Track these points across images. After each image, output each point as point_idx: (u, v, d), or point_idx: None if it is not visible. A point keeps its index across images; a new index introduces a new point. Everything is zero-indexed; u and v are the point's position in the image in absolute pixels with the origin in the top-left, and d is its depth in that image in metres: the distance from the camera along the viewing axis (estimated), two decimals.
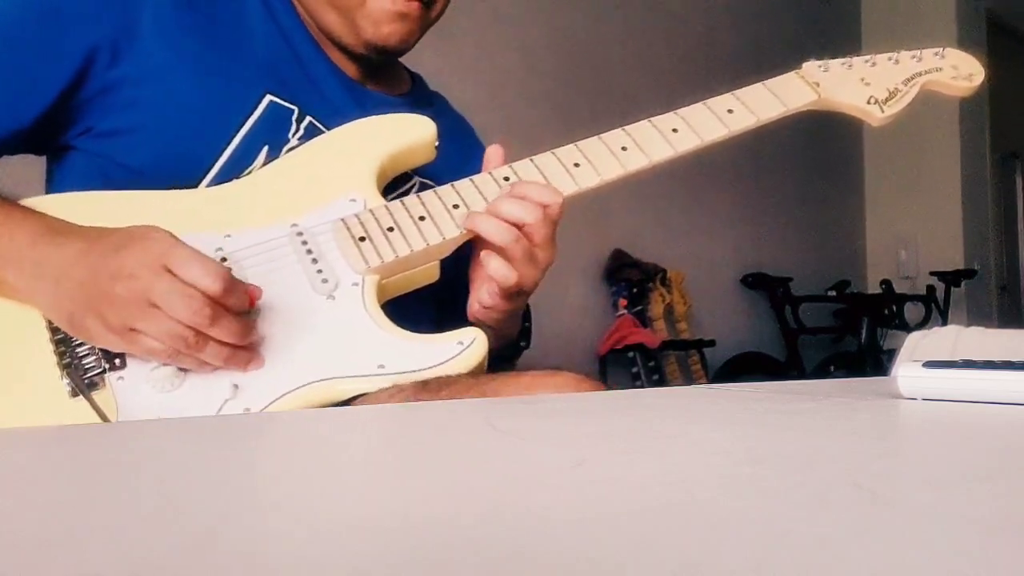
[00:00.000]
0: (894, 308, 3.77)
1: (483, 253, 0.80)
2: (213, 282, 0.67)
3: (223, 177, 0.81)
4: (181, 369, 0.70)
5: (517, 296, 0.82)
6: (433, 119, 0.87)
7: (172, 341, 0.68)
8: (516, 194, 0.79)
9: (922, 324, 3.59)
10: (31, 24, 0.79)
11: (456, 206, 0.81)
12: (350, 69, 0.92)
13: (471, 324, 0.79)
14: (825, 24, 4.15)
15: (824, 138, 3.90)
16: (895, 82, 0.91)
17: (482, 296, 0.83)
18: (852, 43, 4.30)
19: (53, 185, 0.87)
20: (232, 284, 0.68)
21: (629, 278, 3.06)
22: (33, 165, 0.89)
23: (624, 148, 0.84)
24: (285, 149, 0.84)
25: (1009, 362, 0.52)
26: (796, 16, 3.96)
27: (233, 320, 0.69)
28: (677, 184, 3.22)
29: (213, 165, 0.81)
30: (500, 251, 0.79)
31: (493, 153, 0.85)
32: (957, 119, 4.07)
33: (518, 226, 0.78)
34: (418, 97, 0.99)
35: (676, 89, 3.21)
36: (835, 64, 0.92)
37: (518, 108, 2.75)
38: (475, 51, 2.63)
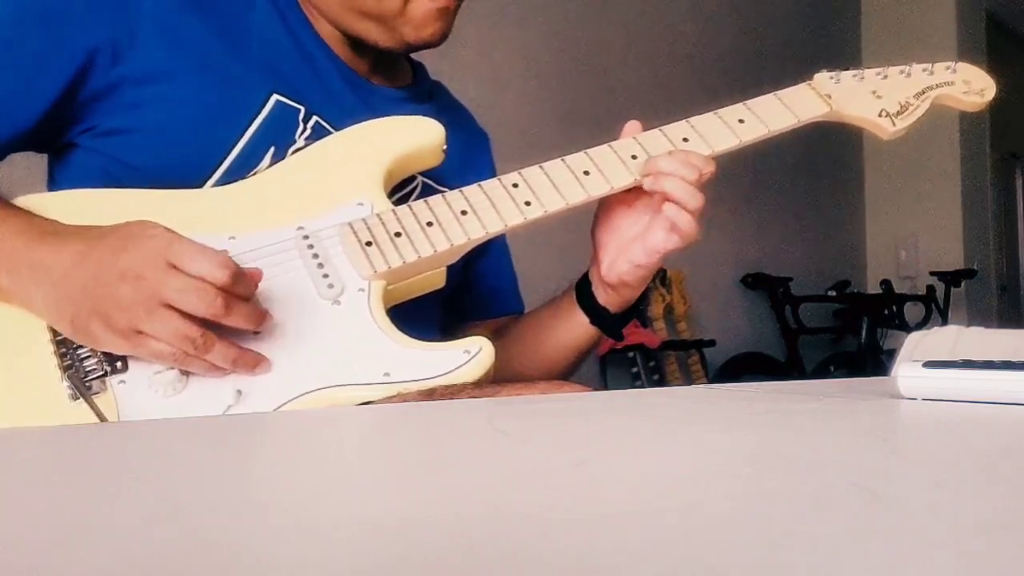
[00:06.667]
0: (894, 308, 3.77)
1: (666, 204, 0.82)
2: (221, 272, 0.67)
3: (229, 178, 0.81)
4: (184, 374, 0.70)
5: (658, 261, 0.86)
6: (436, 113, 0.86)
7: (179, 343, 0.67)
8: (687, 162, 0.81)
9: (922, 324, 3.59)
10: (29, 25, 0.78)
11: (464, 212, 0.80)
12: (358, 64, 0.91)
13: (477, 331, 0.78)
14: (825, 20, 4.15)
15: (824, 138, 3.90)
16: (906, 95, 0.90)
17: (635, 255, 0.85)
18: (852, 40, 4.31)
19: (55, 183, 0.86)
20: (238, 272, 0.69)
21: None
22: (35, 163, 0.89)
23: (634, 156, 0.84)
24: (292, 149, 0.83)
25: (1009, 362, 0.52)
26: (797, 13, 3.96)
27: (245, 305, 0.69)
28: None
29: (219, 165, 0.81)
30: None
31: (631, 128, 0.87)
32: (957, 120, 4.07)
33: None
34: (421, 88, 0.98)
35: (677, 90, 3.21)
36: (846, 76, 0.91)
37: (518, 108, 2.75)
38: (475, 51, 2.63)
